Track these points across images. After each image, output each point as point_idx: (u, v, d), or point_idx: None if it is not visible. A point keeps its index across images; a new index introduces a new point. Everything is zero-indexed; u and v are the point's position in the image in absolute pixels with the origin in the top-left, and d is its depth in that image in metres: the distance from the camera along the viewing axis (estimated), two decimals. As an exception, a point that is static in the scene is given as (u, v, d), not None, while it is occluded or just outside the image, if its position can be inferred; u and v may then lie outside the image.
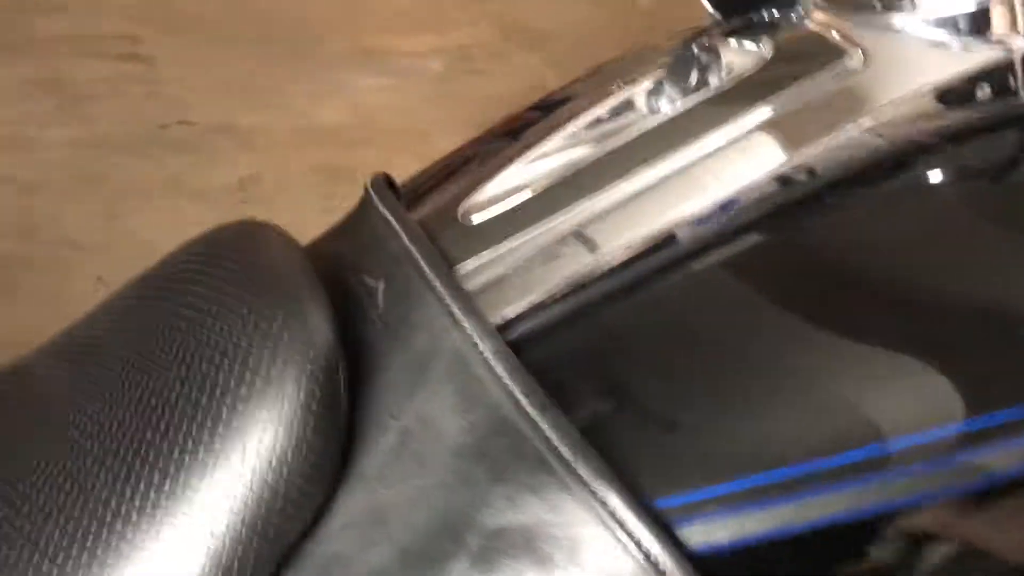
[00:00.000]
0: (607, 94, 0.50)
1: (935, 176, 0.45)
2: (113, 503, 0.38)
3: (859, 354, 0.41)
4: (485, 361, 0.41)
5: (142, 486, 0.39)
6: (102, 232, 1.62)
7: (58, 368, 0.45)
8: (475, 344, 0.41)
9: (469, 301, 0.42)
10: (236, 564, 0.38)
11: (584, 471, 0.37)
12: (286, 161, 1.87)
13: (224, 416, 0.39)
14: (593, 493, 0.37)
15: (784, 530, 0.38)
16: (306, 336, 0.40)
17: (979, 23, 0.44)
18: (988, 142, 0.45)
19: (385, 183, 0.54)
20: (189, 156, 1.83)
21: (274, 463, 0.39)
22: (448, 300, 0.42)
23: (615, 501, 0.37)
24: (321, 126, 1.96)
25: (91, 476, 0.39)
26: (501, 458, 0.39)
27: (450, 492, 0.39)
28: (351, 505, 0.41)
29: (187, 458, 0.39)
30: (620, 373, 0.43)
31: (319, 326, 0.41)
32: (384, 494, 0.40)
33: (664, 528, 0.37)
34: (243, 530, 0.38)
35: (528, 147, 0.49)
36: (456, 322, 0.42)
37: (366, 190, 0.54)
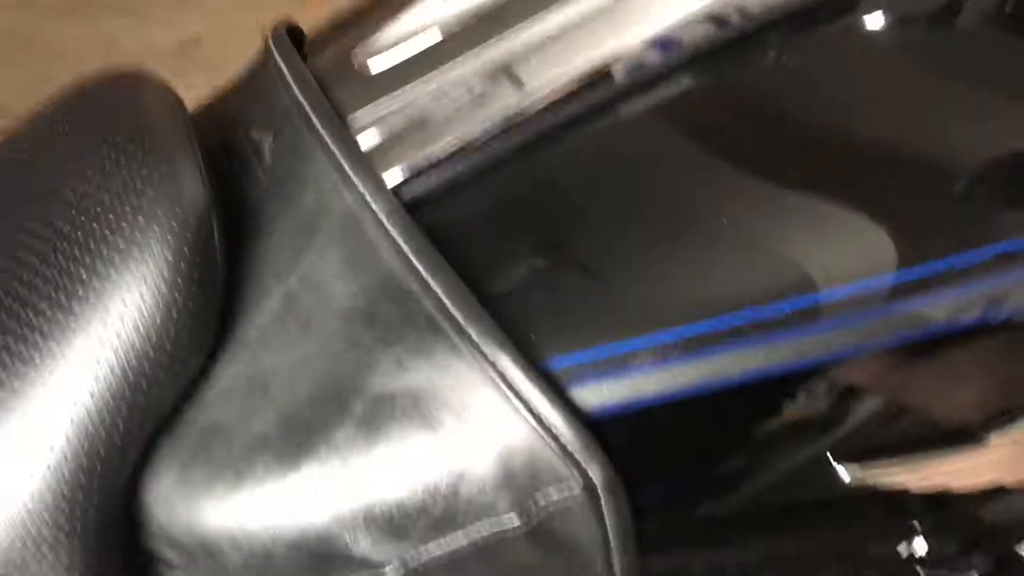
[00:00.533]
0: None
1: (873, 22, 0.41)
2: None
3: (791, 203, 0.38)
4: (378, 222, 0.38)
5: (3, 356, 0.36)
6: (33, 98, 1.55)
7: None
8: (367, 203, 0.38)
9: (361, 157, 0.39)
10: (104, 432, 0.36)
11: (475, 332, 0.35)
12: (228, 23, 1.79)
13: (84, 278, 0.36)
14: (484, 355, 0.35)
15: (697, 388, 0.37)
16: (174, 192, 0.37)
17: None
18: None
19: (287, 33, 0.50)
20: (126, 18, 1.75)
21: (141, 327, 0.36)
22: (339, 156, 0.39)
23: (506, 362, 0.35)
24: (265, -14, 1.87)
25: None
26: (391, 322, 0.37)
27: (336, 358, 0.37)
28: (231, 371, 0.38)
29: (48, 325, 0.36)
30: (531, 228, 0.40)
31: (188, 182, 0.38)
32: (266, 360, 0.38)
33: (559, 390, 0.35)
34: (110, 398, 0.36)
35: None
36: (347, 180, 0.39)
37: (264, 39, 0.50)
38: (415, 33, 0.44)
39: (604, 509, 0.35)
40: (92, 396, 0.35)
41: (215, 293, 0.38)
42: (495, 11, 0.43)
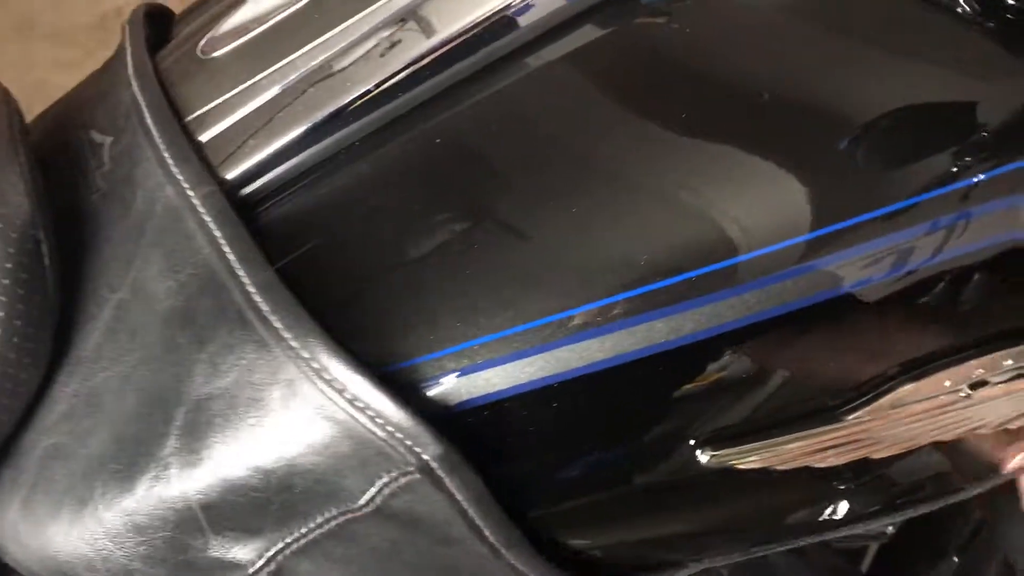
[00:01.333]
0: None
1: None
2: None
3: (690, 159, 0.36)
4: (195, 213, 0.36)
5: None
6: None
7: None
8: (187, 195, 0.36)
9: (183, 148, 0.37)
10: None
11: (282, 323, 0.34)
12: (148, -7, 1.74)
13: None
14: (292, 347, 0.33)
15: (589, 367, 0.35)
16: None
17: None
18: None
19: (146, 17, 0.47)
20: (43, -9, 1.69)
21: None
22: (163, 150, 0.37)
23: (318, 352, 0.33)
24: (187, -48, 1.82)
25: None
26: (206, 320, 0.35)
27: (157, 365, 0.36)
28: (70, 391, 0.37)
29: None
30: (382, 215, 0.38)
31: (10, 194, 0.36)
32: (99, 376, 0.36)
33: (383, 381, 0.34)
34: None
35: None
36: (169, 174, 0.37)
37: (122, 28, 0.48)
38: (263, 18, 0.41)
39: (448, 484, 0.34)
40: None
41: (45, 310, 0.36)
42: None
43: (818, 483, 0.41)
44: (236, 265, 0.34)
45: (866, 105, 0.36)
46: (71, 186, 0.40)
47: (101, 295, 0.37)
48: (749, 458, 0.36)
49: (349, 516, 0.35)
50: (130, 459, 0.35)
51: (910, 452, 0.39)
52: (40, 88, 1.49)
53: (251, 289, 0.34)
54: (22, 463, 0.37)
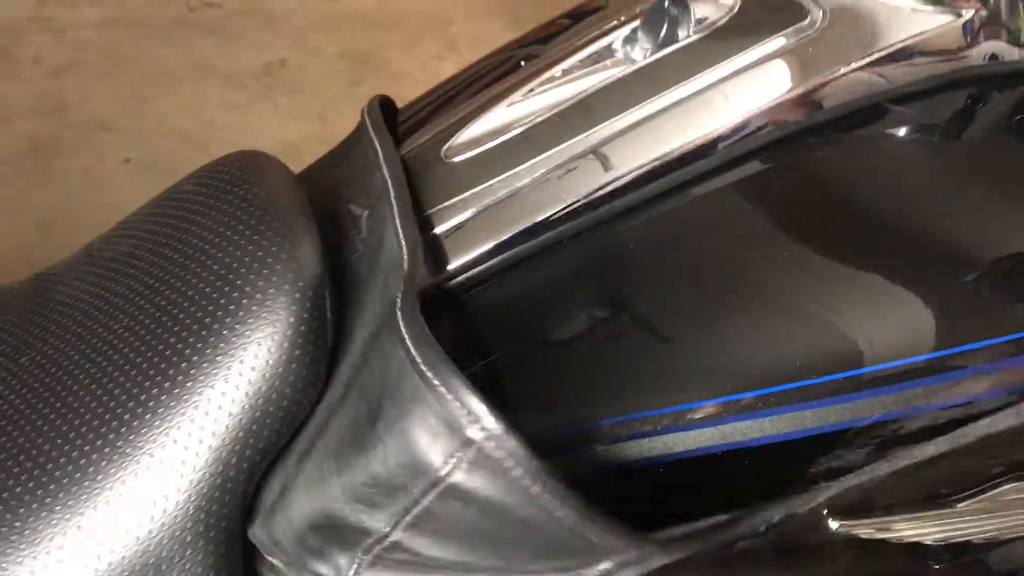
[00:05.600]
0: (588, 38, 0.54)
1: (897, 130, 0.49)
2: (124, 405, 0.44)
3: (834, 281, 0.45)
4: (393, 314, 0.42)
5: (154, 391, 0.45)
6: (130, 114, 1.66)
7: (79, 282, 0.50)
8: (402, 245, 0.45)
9: (415, 244, 0.45)
10: (234, 460, 0.44)
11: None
12: (312, 45, 1.89)
13: (224, 334, 0.44)
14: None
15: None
16: (296, 267, 0.45)
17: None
18: (938, 102, 0.49)
19: (380, 107, 0.58)
20: (216, 38, 1.85)
21: (267, 377, 0.44)
22: (396, 218, 0.46)
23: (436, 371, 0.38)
24: (348, 10, 1.97)
25: (108, 378, 0.45)
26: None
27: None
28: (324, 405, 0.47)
29: (193, 370, 0.45)
30: (598, 293, 0.47)
31: (308, 258, 0.46)
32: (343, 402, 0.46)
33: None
34: (240, 434, 0.44)
35: (511, 88, 0.53)
36: (396, 234, 0.46)
37: (362, 115, 0.58)
38: (500, 130, 0.51)
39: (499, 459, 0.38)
40: (227, 428, 0.44)
41: (326, 350, 0.46)
42: (578, 107, 0.50)
43: (918, 559, 0.49)
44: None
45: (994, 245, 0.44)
46: (337, 249, 0.50)
47: (357, 334, 0.47)
48: (869, 530, 0.44)
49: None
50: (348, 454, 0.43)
51: (1009, 541, 0.46)
52: (210, 125, 1.65)
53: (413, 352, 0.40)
54: (285, 462, 0.47)
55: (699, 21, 0.50)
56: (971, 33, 0.48)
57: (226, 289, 0.45)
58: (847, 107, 0.48)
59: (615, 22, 0.54)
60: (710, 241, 0.48)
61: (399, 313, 0.41)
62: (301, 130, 1.68)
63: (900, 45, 0.47)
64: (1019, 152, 0.51)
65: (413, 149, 0.54)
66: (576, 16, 0.61)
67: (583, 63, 0.52)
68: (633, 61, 0.51)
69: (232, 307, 0.45)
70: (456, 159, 0.51)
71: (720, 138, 0.47)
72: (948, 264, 0.45)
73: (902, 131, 0.49)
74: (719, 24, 0.49)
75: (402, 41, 1.87)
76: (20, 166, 1.57)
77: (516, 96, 0.52)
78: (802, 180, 0.49)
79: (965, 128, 0.51)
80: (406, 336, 0.40)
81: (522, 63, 0.56)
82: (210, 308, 0.45)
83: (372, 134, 0.55)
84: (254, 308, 0.45)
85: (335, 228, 0.51)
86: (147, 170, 1.55)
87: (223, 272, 0.45)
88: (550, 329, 0.47)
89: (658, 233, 0.48)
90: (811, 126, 0.48)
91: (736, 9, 0.49)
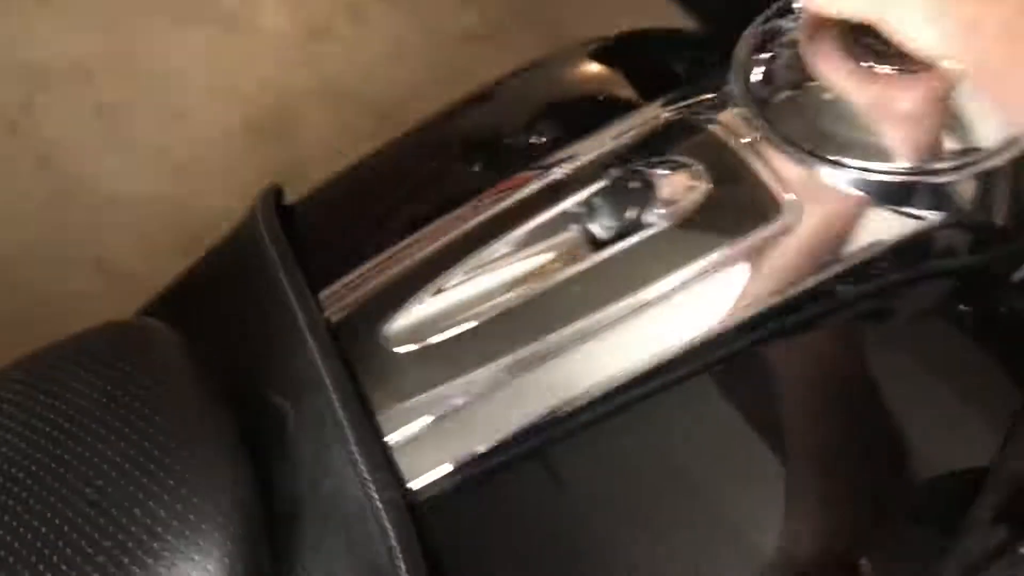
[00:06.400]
0: (537, 200, 0.49)
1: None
2: None
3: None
4: (379, 518, 0.41)
5: None
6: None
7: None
8: (373, 498, 0.41)
9: (375, 454, 0.42)
10: None
11: None
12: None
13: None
14: None
15: None
16: (225, 511, 0.39)
17: (900, 195, 0.46)
18: (907, 298, 0.49)
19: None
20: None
21: None
22: (356, 455, 0.42)
23: None
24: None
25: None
26: None
27: None
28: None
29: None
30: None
31: (238, 501, 0.40)
32: None
33: None
34: None
35: (455, 252, 0.47)
36: (360, 474, 0.41)
37: (255, 220, 0.50)
38: (448, 319, 0.46)
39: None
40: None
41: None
42: (516, 314, 0.45)
43: None
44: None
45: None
46: (262, 448, 0.43)
47: (297, 572, 0.41)
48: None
49: None
50: None
51: None
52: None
53: None
54: None
55: (665, 202, 0.46)
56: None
57: (145, 541, 0.38)
58: (812, 311, 0.46)
59: (563, 176, 0.49)
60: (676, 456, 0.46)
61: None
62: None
63: (868, 254, 0.46)
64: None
65: (342, 312, 0.47)
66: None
67: (534, 235, 0.47)
68: (592, 240, 0.47)
69: (152, 563, 0.37)
70: (400, 350, 0.45)
71: (689, 350, 0.45)
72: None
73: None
74: (687, 214, 0.46)
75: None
76: None
77: (462, 269, 0.47)
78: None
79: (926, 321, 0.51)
80: None
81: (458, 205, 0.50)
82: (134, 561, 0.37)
83: (281, 272, 0.48)
84: (180, 564, 0.37)
85: (257, 421, 0.44)
86: None
87: (141, 519, 0.38)
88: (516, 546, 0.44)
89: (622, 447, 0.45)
90: (778, 329, 0.46)
91: (705, 196, 0.46)
